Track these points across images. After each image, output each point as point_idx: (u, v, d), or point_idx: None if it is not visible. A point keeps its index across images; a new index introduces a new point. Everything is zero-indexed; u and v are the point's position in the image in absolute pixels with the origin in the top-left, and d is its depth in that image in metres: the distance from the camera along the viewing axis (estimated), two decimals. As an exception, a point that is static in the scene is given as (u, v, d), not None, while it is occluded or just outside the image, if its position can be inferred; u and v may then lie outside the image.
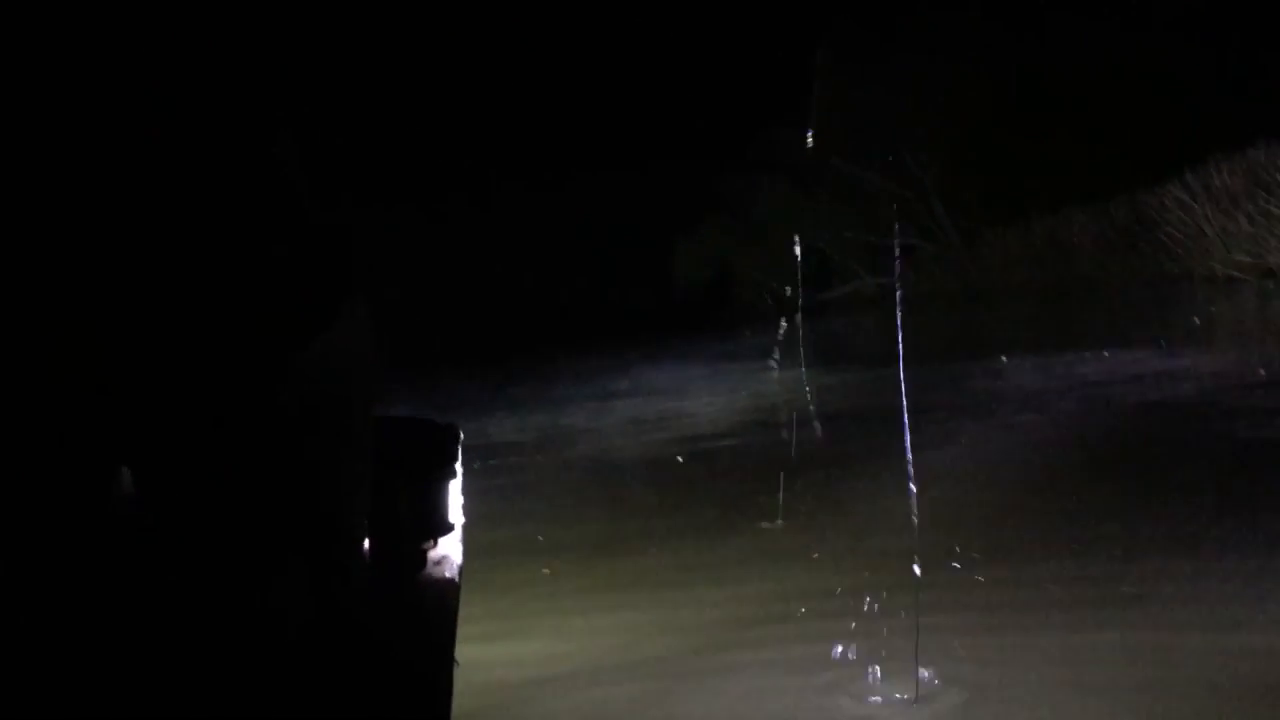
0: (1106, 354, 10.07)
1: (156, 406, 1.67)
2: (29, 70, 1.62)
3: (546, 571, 4.96)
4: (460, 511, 2.69)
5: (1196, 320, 13.16)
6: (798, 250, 19.43)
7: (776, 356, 12.30)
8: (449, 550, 2.68)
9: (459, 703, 2.05)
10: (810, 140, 20.83)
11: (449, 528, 2.68)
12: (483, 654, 3.60)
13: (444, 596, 2.47)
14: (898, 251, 21.33)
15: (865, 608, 3.97)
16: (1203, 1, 21.40)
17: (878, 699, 3.35)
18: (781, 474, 5.98)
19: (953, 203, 23.75)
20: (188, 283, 1.67)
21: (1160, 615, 3.74)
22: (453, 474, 2.67)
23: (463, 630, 2.29)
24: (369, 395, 2.04)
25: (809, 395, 9.76)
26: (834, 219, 23.26)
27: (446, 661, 2.21)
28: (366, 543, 2.06)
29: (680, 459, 7.51)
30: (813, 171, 22.92)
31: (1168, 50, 21.18)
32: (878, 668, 3.48)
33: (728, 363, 14.15)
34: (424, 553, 2.65)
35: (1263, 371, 8.15)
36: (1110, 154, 21.25)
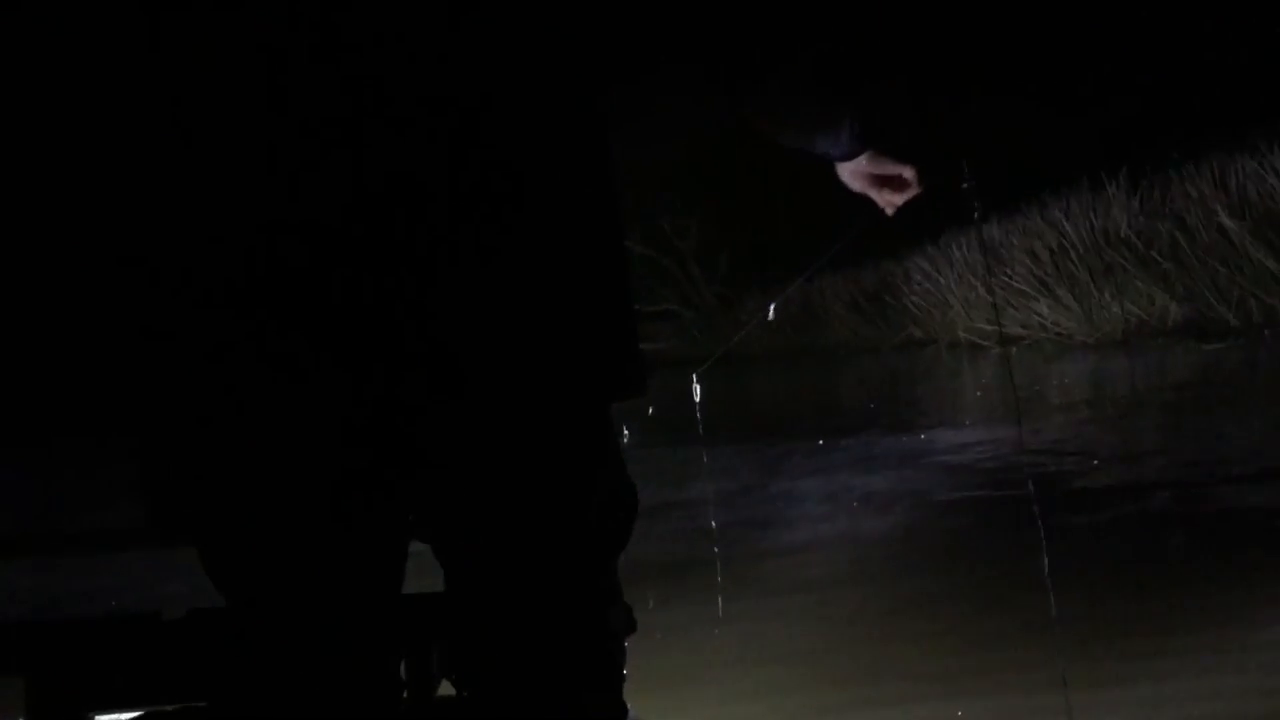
0: (923, 436, 10.37)
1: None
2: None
3: None
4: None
5: (978, 394, 13.79)
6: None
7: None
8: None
9: None
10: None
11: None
12: None
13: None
14: (992, 297, 20.06)
15: None
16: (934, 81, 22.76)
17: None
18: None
19: (710, 267, 24.28)
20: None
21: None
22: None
23: None
24: None
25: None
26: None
27: None
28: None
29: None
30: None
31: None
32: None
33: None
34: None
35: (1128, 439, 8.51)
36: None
